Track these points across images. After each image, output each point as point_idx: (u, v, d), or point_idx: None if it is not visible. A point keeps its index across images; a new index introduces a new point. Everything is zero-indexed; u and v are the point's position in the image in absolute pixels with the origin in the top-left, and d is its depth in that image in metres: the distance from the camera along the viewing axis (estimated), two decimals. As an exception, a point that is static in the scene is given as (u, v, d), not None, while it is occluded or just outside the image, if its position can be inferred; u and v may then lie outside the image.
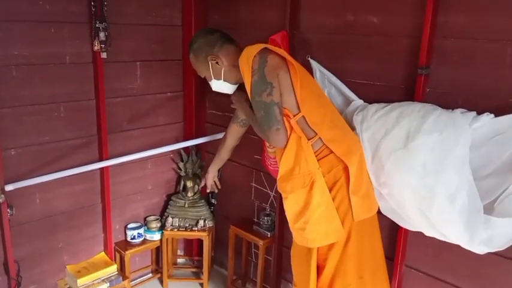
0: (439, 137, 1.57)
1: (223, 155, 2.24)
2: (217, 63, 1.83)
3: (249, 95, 1.75)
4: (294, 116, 1.71)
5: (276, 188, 2.49)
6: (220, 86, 1.90)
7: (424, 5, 1.71)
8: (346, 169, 1.75)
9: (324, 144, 1.74)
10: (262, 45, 1.72)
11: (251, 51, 1.70)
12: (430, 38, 1.72)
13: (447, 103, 1.72)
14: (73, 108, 2.36)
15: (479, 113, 1.61)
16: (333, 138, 1.75)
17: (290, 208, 1.82)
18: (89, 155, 2.47)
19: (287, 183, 1.78)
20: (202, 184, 2.36)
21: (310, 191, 1.74)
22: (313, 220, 1.75)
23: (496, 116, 1.57)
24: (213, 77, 1.87)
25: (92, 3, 2.26)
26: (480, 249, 1.59)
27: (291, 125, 1.73)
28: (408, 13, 1.81)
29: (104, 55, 2.35)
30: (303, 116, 1.72)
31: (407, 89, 1.85)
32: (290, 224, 1.85)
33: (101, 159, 2.49)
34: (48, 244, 2.42)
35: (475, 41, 1.65)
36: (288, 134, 1.73)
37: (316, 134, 1.73)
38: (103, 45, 2.33)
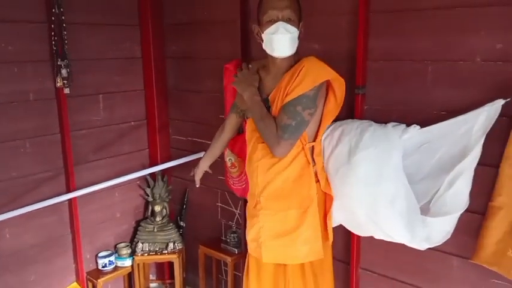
0: (374, 150, 1.76)
1: (216, 149, 2.17)
2: (302, 30, 1.80)
3: (288, 97, 1.72)
4: (308, 142, 1.83)
5: (240, 205, 2.64)
6: (293, 41, 1.75)
7: (356, 32, 1.93)
8: (328, 198, 1.92)
9: (315, 173, 1.87)
10: (332, 72, 1.77)
11: (324, 74, 1.74)
12: (363, 60, 1.93)
13: (383, 118, 1.92)
14: (39, 143, 2.44)
15: (409, 125, 1.81)
16: (321, 171, 1.90)
17: (274, 224, 1.86)
18: (56, 188, 2.53)
19: (282, 201, 1.84)
20: (196, 175, 2.24)
21: (304, 213, 1.83)
22: (301, 240, 1.84)
23: (422, 127, 1.78)
24: (297, 30, 1.75)
25: (53, 42, 2.37)
26: (421, 245, 1.77)
27: (303, 148, 1.82)
28: (344, 39, 2.03)
29: (66, 90, 2.44)
30: (313, 146, 1.86)
31: (348, 107, 2.03)
32: (262, 239, 1.87)
33: (68, 191, 2.56)
34: (19, 278, 2.45)
35: (401, 62, 1.88)
36: (294, 154, 1.81)
37: (315, 164, 1.88)
38: (65, 81, 2.42)
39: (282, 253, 1.88)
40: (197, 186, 2.24)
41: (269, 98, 1.82)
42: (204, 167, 2.21)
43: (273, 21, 1.72)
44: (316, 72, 1.73)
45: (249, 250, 2.01)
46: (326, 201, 1.93)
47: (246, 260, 2.09)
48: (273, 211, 1.85)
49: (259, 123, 1.79)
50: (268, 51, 1.79)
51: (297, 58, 1.81)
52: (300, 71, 1.72)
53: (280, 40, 1.72)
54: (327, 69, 1.76)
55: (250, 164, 1.92)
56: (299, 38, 1.78)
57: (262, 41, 1.79)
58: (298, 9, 1.77)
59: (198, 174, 2.22)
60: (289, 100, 1.72)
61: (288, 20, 1.72)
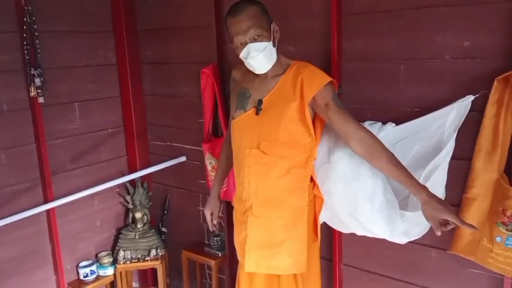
0: None
1: (228, 163, 2.06)
2: (277, 31, 1.72)
3: (313, 91, 1.68)
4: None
5: (223, 208, 2.64)
6: (268, 55, 1.68)
7: (330, 34, 1.97)
8: (317, 200, 1.90)
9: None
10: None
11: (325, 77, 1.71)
12: (338, 61, 1.98)
13: (359, 116, 1.94)
14: (14, 154, 2.40)
15: (385, 122, 1.87)
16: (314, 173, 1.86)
17: (261, 233, 1.83)
18: (34, 199, 2.49)
19: (274, 210, 1.80)
20: (211, 224, 2.12)
21: (293, 225, 1.81)
22: (287, 252, 1.82)
23: (397, 124, 1.84)
24: (272, 42, 1.68)
25: (25, 51, 2.33)
26: (401, 239, 1.82)
27: (307, 160, 1.80)
28: (318, 41, 2.07)
29: (41, 100, 2.41)
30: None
31: (325, 107, 2.08)
32: (247, 247, 1.83)
33: (46, 202, 2.52)
34: (-2, 293, 2.41)
35: (374, 62, 1.93)
36: (292, 164, 1.78)
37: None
38: (39, 91, 2.39)
39: (265, 263, 1.85)
40: (212, 229, 2.12)
41: (263, 99, 1.76)
42: (217, 196, 2.11)
43: (242, 45, 1.67)
44: (321, 72, 1.73)
45: (238, 257, 1.99)
46: (316, 203, 1.93)
47: (237, 272, 2.03)
48: (263, 220, 1.81)
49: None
50: (251, 70, 1.76)
51: (283, 60, 1.77)
52: (305, 73, 1.70)
53: (255, 61, 1.68)
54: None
55: (240, 169, 1.85)
56: (275, 42, 1.71)
57: None
58: (262, 18, 1.67)
59: (214, 211, 2.11)
60: (329, 99, 1.69)
61: (256, 38, 1.64)
